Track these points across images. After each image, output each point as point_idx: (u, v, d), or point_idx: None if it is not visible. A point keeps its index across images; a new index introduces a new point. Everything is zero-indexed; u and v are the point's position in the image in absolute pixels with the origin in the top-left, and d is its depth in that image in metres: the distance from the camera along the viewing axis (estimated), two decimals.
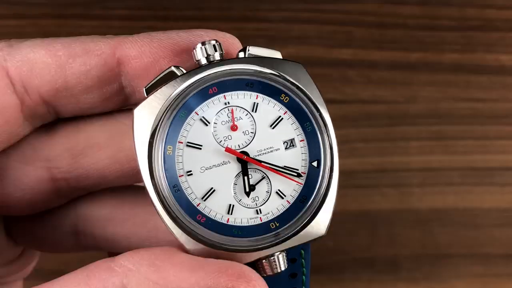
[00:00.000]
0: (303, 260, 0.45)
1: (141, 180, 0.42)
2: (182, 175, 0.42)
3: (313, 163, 0.43)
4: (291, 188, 0.43)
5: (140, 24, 0.76)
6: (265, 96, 0.44)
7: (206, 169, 0.42)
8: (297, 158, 0.43)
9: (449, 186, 0.73)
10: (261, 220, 0.43)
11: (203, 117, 0.43)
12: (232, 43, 0.44)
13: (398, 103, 0.75)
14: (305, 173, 0.43)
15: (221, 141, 0.43)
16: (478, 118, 0.75)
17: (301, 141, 0.44)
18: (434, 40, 0.76)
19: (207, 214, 0.42)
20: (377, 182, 0.73)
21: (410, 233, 0.72)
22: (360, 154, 0.74)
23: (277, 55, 0.44)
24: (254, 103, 0.43)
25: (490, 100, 0.75)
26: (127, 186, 0.50)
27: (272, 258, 0.42)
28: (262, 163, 0.43)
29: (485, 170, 0.74)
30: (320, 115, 0.43)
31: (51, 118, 0.46)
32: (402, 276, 0.71)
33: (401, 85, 0.75)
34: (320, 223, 0.43)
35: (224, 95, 0.43)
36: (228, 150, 0.43)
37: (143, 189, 0.42)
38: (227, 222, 0.42)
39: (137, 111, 0.42)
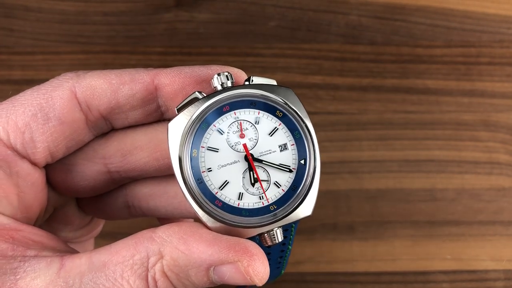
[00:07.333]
0: (293, 229, 0.43)
1: (171, 172, 0.39)
2: (204, 171, 0.39)
3: (301, 161, 0.41)
4: (285, 180, 0.40)
5: (170, 57, 0.73)
6: (265, 112, 0.41)
7: (222, 166, 0.40)
8: (289, 157, 0.41)
9: (390, 173, 0.71)
10: (263, 204, 0.40)
11: (219, 128, 0.40)
12: (240, 75, 0.42)
13: (353, 114, 0.73)
14: (295, 169, 0.40)
15: (232, 145, 0.40)
16: (410, 125, 0.72)
17: (292, 145, 0.41)
18: (379, 70, 0.74)
19: (223, 200, 0.39)
20: (339, 170, 0.71)
21: (362, 206, 0.70)
22: (327, 150, 0.71)
23: (273, 82, 0.41)
24: (257, 117, 0.41)
25: (418, 112, 0.73)
26: None
27: (271, 232, 0.40)
28: (263, 162, 0.40)
29: (415, 161, 0.71)
30: (306, 125, 0.41)
31: (107, 128, 0.44)
32: (357, 236, 0.69)
33: (356, 101, 0.73)
34: (307, 206, 0.40)
35: (235, 112, 0.40)
36: (244, 145, 0.40)
37: (172, 174, 0.39)
38: (238, 205, 0.40)
39: (171, 125, 0.39)
